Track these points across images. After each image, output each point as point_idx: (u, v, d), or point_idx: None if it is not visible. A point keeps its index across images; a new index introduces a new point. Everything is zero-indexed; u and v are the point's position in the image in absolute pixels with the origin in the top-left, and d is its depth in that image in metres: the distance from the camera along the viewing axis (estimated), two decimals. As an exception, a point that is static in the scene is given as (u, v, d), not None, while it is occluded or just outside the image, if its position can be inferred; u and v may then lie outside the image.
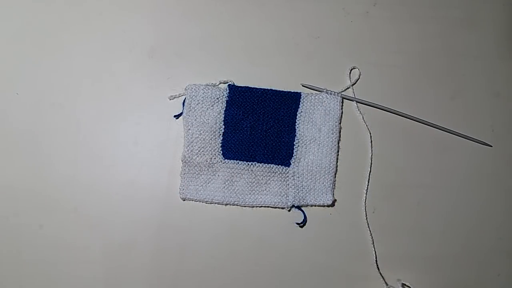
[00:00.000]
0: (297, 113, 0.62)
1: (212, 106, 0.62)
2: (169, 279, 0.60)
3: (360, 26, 0.65)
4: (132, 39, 0.64)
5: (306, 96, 0.62)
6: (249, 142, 0.62)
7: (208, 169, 0.61)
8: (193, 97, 0.62)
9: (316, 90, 0.63)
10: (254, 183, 0.62)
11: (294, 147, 0.62)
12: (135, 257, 0.60)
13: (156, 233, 0.61)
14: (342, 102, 0.63)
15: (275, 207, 0.61)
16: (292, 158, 0.62)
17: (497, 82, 0.65)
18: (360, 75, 0.64)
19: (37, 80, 0.63)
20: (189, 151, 0.61)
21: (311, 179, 0.62)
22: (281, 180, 0.62)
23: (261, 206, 0.61)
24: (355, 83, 0.64)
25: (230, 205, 0.61)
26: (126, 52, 0.64)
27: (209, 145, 0.61)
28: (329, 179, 0.61)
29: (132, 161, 0.62)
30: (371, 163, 0.62)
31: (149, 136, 0.63)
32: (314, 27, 0.65)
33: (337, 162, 0.62)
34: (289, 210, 0.62)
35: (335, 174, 0.62)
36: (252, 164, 0.62)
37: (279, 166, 0.62)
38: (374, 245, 0.61)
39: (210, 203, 0.61)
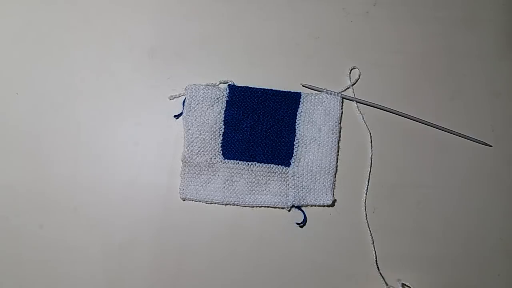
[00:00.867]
0: (297, 113, 0.62)
1: (212, 106, 0.62)
2: (169, 279, 0.60)
3: (360, 26, 0.65)
4: (132, 39, 0.64)
5: (306, 96, 0.62)
6: (249, 142, 0.62)
7: (208, 169, 0.61)
8: (193, 97, 0.62)
9: (316, 90, 0.63)
10: (254, 183, 0.61)
11: (294, 147, 0.62)
12: (135, 257, 0.60)
13: (156, 233, 0.61)
14: (342, 102, 0.63)
15: (275, 207, 0.61)
16: (292, 158, 0.62)
17: (497, 82, 0.65)
18: (360, 75, 0.64)
19: (37, 80, 0.63)
20: (189, 151, 0.61)
21: (311, 179, 0.62)
22: (281, 180, 0.62)
23: (261, 206, 0.61)
24: (355, 83, 0.64)
25: (230, 205, 0.61)
26: (126, 52, 0.64)
27: (209, 145, 0.61)
28: (329, 179, 0.61)
29: (132, 161, 0.62)
30: (371, 163, 0.62)
31: (149, 136, 0.63)
32: (314, 27, 0.65)
33: (337, 162, 0.62)
34: (289, 210, 0.62)
35: (335, 174, 0.62)
36: (252, 164, 0.62)
37: (279, 166, 0.62)
38: (374, 245, 0.61)
39: (210, 203, 0.61)
